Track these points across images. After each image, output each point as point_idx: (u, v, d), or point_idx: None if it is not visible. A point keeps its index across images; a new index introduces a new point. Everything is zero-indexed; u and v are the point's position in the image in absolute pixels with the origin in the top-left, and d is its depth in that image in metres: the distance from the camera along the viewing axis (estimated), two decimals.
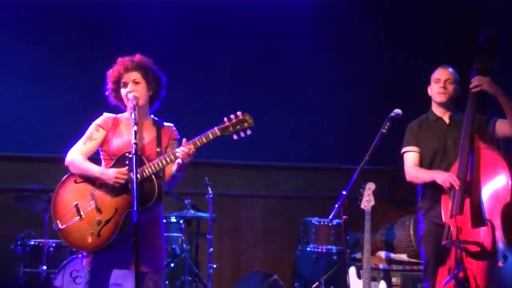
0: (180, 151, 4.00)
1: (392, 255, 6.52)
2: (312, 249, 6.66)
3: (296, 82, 7.61)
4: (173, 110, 6.85)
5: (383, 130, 4.50)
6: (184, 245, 6.56)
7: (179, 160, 4.03)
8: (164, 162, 4.04)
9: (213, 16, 7.54)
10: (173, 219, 6.58)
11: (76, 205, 4.11)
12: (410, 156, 5.03)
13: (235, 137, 4.06)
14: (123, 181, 4.03)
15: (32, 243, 6.18)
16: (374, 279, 6.13)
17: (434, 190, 4.81)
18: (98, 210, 4.08)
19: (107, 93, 4.30)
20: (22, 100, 7.12)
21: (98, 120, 4.28)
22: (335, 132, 7.53)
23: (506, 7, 6.96)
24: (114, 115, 4.32)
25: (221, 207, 7.18)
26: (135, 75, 4.21)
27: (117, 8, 7.27)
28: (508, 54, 5.90)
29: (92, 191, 4.12)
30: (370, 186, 5.73)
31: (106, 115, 4.31)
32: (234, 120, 4.03)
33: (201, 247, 6.99)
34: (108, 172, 4.08)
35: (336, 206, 4.31)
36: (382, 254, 6.59)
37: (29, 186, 6.78)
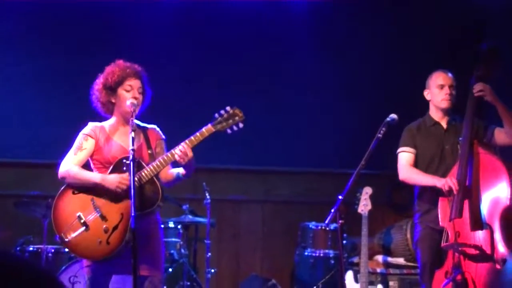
0: (178, 151, 4.04)
1: (390, 259, 6.53)
2: (310, 254, 6.67)
3: (294, 87, 7.62)
4: (170, 112, 6.97)
5: (379, 135, 4.53)
6: (183, 250, 6.56)
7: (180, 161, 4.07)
8: (163, 162, 4.09)
9: (212, 20, 7.54)
10: (171, 225, 6.59)
11: (79, 216, 4.09)
12: (405, 156, 5.05)
13: (229, 131, 4.14)
14: (125, 187, 4.02)
15: (31, 248, 6.16)
16: (371, 283, 6.15)
17: (430, 194, 4.85)
18: (103, 218, 4.07)
19: (99, 87, 4.22)
20: (23, 106, 7.15)
21: (85, 130, 4.26)
22: (332, 136, 7.53)
23: (508, 15, 6.97)
24: (99, 123, 4.30)
25: (219, 212, 7.20)
26: (140, 84, 4.24)
27: (117, 16, 7.30)
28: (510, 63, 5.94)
29: (93, 200, 4.11)
30: (367, 191, 5.75)
31: (91, 124, 4.29)
32: (225, 115, 4.12)
33: (199, 252, 6.99)
34: (110, 178, 4.07)
35: (332, 210, 4.34)
36: (379, 258, 6.60)
37: (29, 192, 6.78)
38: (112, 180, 4.06)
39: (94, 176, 4.12)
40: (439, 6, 7.56)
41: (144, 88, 4.26)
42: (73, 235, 4.08)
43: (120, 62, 4.28)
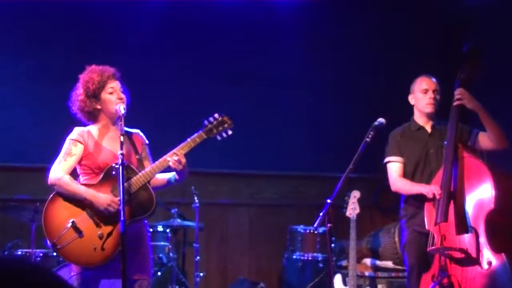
0: (172, 159, 4.05)
1: (378, 262, 6.55)
2: (298, 257, 6.68)
3: (281, 91, 7.62)
4: (154, 114, 6.95)
5: (367, 139, 4.55)
6: (171, 254, 6.56)
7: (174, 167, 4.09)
8: (156, 169, 4.10)
9: (200, 20, 7.54)
10: (160, 228, 6.58)
11: (73, 223, 4.03)
12: (394, 166, 5.08)
13: (218, 138, 4.21)
14: (113, 210, 3.99)
15: (20, 253, 6.13)
16: (360, 286, 6.17)
17: (416, 198, 4.87)
18: (97, 224, 4.04)
19: (81, 97, 4.17)
20: (8, 109, 7.09)
21: (73, 135, 4.20)
22: (320, 140, 7.55)
23: (492, 16, 7.01)
24: (85, 128, 4.26)
25: (208, 215, 7.19)
26: (119, 84, 4.24)
27: (103, 18, 7.29)
28: (495, 62, 5.95)
29: (86, 206, 4.06)
30: (355, 194, 5.77)
31: (78, 129, 4.24)
32: (215, 122, 4.19)
33: (188, 255, 6.99)
34: (101, 197, 4.02)
35: (320, 214, 4.35)
36: (367, 261, 6.62)
37: (15, 196, 6.75)
38: (103, 200, 4.01)
39: (86, 192, 4.05)
40: (426, 8, 7.60)
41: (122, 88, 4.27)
42: (67, 242, 4.03)
43: (93, 67, 4.25)
